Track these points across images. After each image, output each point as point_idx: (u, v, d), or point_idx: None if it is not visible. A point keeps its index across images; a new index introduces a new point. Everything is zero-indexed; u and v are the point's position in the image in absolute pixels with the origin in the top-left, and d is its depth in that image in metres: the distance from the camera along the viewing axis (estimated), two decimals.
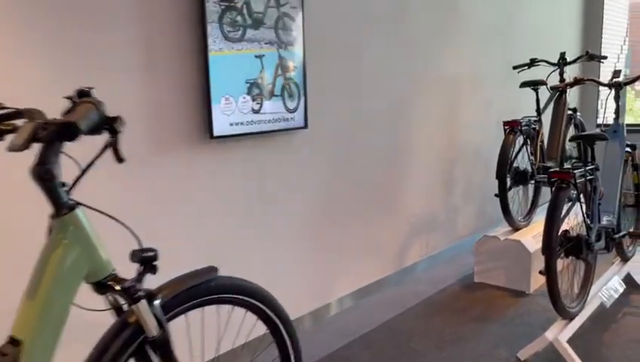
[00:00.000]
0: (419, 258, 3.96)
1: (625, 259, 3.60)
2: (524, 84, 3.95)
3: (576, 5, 6.26)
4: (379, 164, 3.52)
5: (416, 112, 3.81)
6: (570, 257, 2.79)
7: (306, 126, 2.83)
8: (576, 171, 2.66)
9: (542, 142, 4.13)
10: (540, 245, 2.71)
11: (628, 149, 3.44)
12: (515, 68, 4.35)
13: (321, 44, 2.95)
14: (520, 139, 3.88)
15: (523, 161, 3.88)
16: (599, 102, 7.08)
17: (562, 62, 4.35)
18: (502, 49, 4.73)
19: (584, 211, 2.78)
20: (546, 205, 2.67)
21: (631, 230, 3.50)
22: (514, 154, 3.82)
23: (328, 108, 3.07)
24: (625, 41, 7.63)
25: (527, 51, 4.99)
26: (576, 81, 3.43)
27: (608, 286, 3.18)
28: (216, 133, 2.37)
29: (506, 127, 3.71)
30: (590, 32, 6.46)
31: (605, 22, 6.93)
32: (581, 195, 2.77)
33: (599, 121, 6.81)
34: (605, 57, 4.22)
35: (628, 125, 6.63)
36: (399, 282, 3.76)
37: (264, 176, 2.72)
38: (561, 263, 3.01)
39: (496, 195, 3.66)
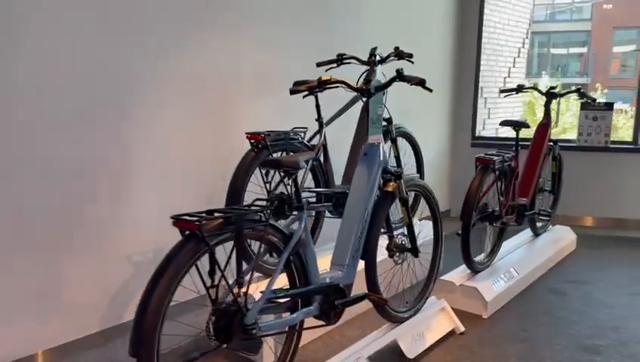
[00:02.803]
0: None
1: (396, 321, 2.73)
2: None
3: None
4: (71, 181, 2.58)
5: (156, 113, 2.89)
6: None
7: None
8: (215, 220, 1.74)
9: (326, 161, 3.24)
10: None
11: (389, 177, 2.56)
12: (319, 65, 3.45)
13: None
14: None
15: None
16: (487, 110, 6.27)
17: (373, 61, 3.47)
18: (314, 42, 3.84)
19: (233, 273, 1.85)
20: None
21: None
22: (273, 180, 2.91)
23: None
24: (524, 43, 6.82)
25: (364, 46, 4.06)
26: (323, 83, 2.53)
27: None
28: None
29: (252, 141, 2.80)
30: (465, 27, 5.59)
31: (495, 20, 6.11)
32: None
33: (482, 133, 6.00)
34: (411, 55, 3.35)
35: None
36: (103, 344, 2.82)
37: None
38: None
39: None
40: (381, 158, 2.50)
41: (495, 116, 6.42)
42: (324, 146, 3.21)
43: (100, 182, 2.72)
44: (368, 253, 2.48)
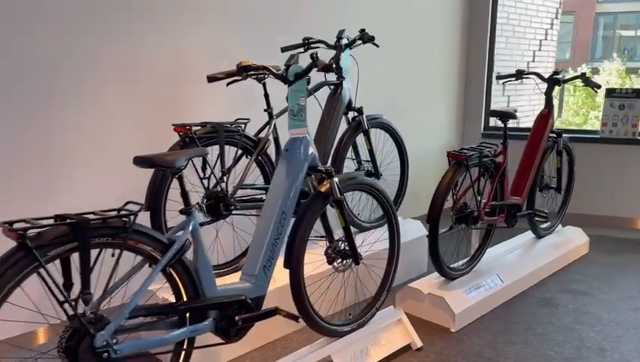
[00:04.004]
0: None
1: (333, 336, 2.45)
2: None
3: None
4: None
5: (88, 104, 2.72)
6: None
7: None
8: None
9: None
10: None
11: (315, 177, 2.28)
12: (284, 50, 3.20)
13: None
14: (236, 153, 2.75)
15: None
16: (507, 98, 5.79)
17: (340, 45, 3.18)
18: (285, 23, 3.56)
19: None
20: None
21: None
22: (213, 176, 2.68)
23: None
24: (553, 25, 6.23)
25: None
26: (243, 69, 2.26)
27: None
28: None
29: (179, 133, 2.57)
30: (477, 5, 5.11)
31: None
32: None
33: (496, 122, 5.53)
34: (373, 38, 3.04)
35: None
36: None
37: None
38: None
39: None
40: (308, 153, 2.22)
41: (516, 105, 5.92)
42: (276, 139, 2.95)
43: (23, 180, 2.58)
44: (292, 261, 2.21)
